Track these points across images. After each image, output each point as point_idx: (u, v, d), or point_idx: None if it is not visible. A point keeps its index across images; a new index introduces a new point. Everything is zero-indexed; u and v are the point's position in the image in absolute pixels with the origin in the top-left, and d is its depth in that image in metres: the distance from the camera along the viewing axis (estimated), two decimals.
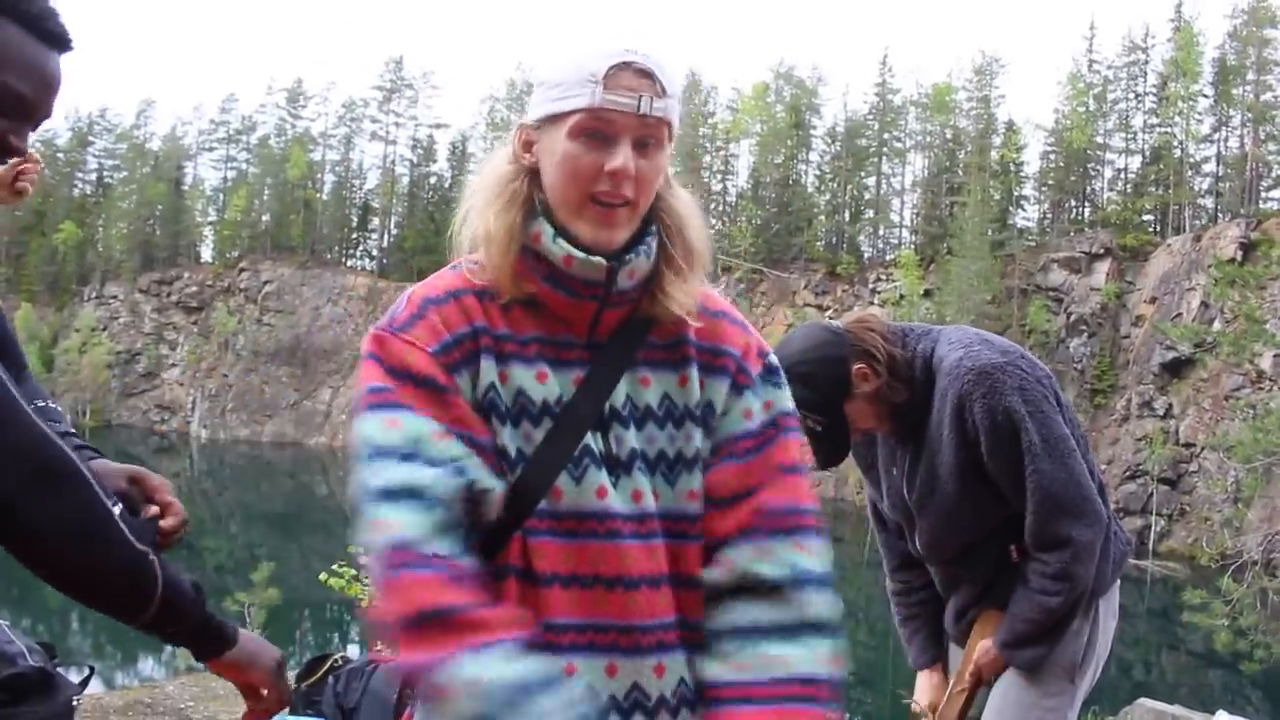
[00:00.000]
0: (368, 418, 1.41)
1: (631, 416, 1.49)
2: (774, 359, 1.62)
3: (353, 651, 4.31)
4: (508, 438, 1.44)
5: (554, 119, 1.45)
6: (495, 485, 1.42)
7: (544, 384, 1.46)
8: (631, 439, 1.48)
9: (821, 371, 2.54)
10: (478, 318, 1.47)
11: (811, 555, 1.51)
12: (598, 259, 1.45)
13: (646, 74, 1.43)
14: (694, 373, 1.53)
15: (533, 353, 1.48)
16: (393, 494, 1.35)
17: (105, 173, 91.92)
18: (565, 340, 1.49)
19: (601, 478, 1.45)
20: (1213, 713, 6.35)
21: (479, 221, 1.51)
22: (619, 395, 1.49)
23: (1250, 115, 56.42)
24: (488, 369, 1.45)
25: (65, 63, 1.45)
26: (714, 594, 1.50)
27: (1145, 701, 7.26)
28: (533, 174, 1.50)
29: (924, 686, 2.97)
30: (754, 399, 1.56)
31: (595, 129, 1.42)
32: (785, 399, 1.61)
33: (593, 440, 1.46)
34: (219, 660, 1.60)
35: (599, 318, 1.49)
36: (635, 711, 1.44)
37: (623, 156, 1.41)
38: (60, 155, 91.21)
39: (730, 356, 1.56)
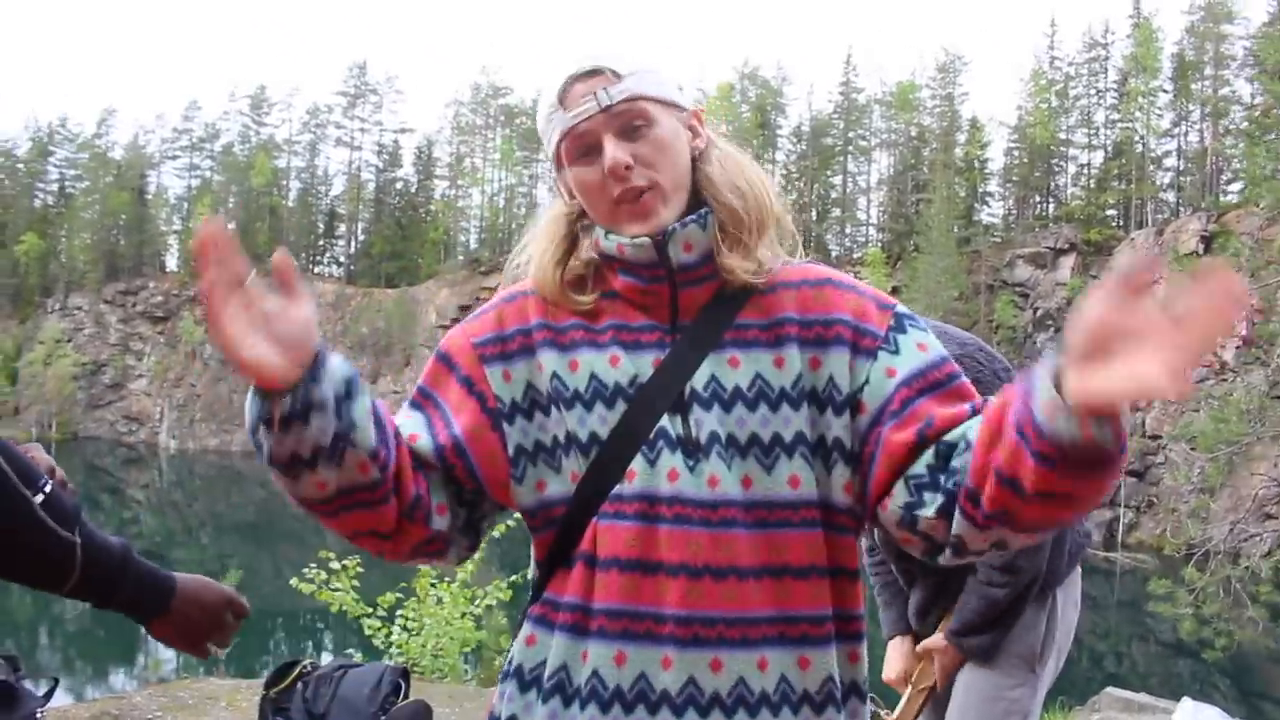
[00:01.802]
0: None
1: (715, 398, 1.42)
2: (903, 308, 1.51)
3: (325, 659, 4.31)
4: (575, 423, 1.43)
5: (557, 159, 1.49)
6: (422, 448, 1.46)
7: (617, 367, 1.45)
8: (711, 421, 1.41)
9: None
10: (541, 315, 1.50)
11: None
12: (644, 239, 1.44)
13: (592, 73, 1.43)
14: (794, 352, 1.44)
15: (607, 339, 1.47)
16: None
17: (67, 183, 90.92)
18: (644, 325, 1.47)
19: (675, 460, 1.40)
20: (1179, 700, 6.42)
21: (527, 254, 1.56)
22: (701, 376, 1.43)
23: (1209, 110, 57.10)
24: (549, 361, 1.47)
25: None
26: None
27: (1113, 690, 7.34)
28: (582, 213, 1.52)
29: (894, 657, 2.97)
30: (891, 356, 1.44)
31: (579, 147, 1.45)
32: (935, 344, 1.48)
33: (669, 422, 1.42)
34: (159, 619, 1.70)
35: (676, 300, 1.47)
36: (712, 709, 1.35)
37: (609, 155, 1.41)
38: (20, 166, 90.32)
39: (842, 324, 1.46)
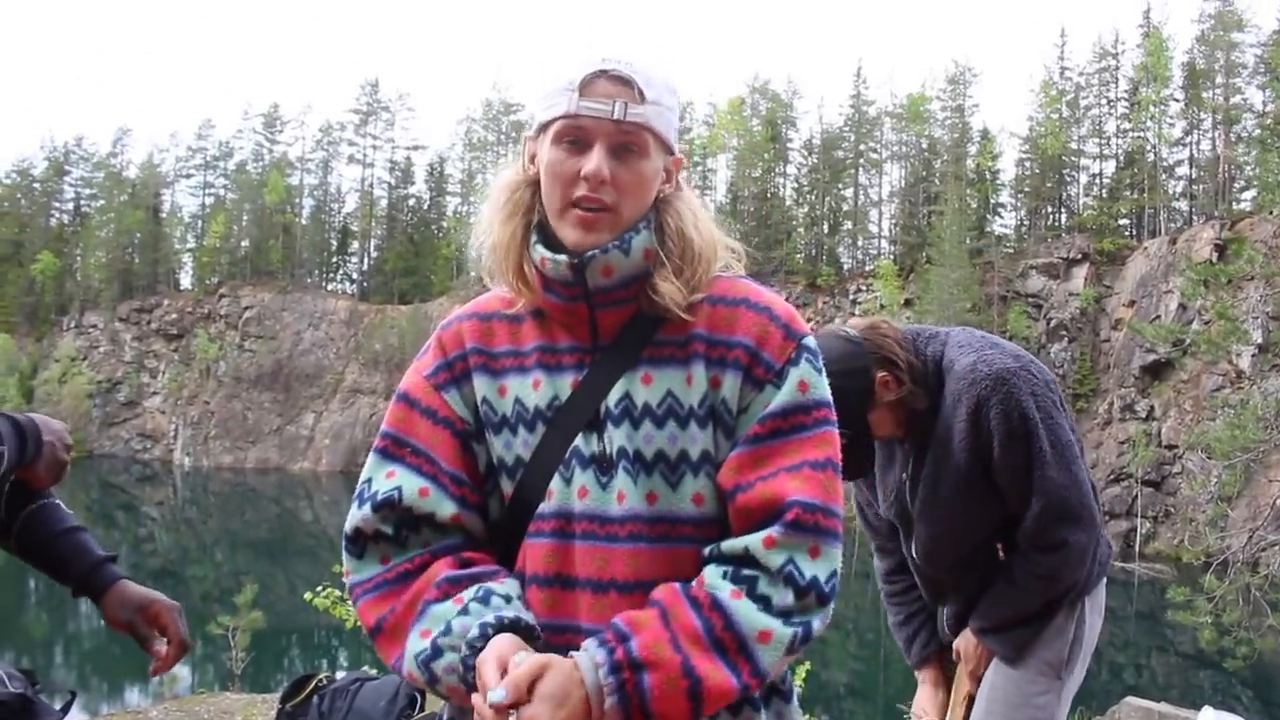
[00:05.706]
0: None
1: (626, 415, 1.47)
2: (810, 341, 1.52)
3: (340, 675, 4.30)
4: (502, 447, 1.51)
5: (543, 127, 1.51)
6: (438, 509, 1.48)
7: (538, 390, 1.51)
8: (620, 438, 1.47)
9: (847, 385, 2.42)
10: (475, 339, 1.56)
11: (822, 561, 1.41)
12: (562, 257, 1.48)
13: (623, 81, 1.47)
14: (700, 370, 1.49)
15: (531, 362, 1.53)
16: (346, 537, 1.52)
17: (82, 201, 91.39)
18: (567, 346, 1.53)
19: (586, 478, 1.46)
20: (1200, 710, 6.35)
21: (487, 233, 1.57)
22: (614, 394, 1.49)
23: (1220, 118, 56.91)
24: (480, 386, 1.54)
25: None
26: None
27: (1132, 700, 7.28)
28: (537, 184, 1.54)
29: (925, 697, 2.94)
30: (774, 391, 1.47)
31: (572, 135, 1.47)
32: (819, 385, 1.49)
33: (583, 441, 1.48)
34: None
35: (595, 320, 1.51)
36: None
37: (595, 161, 1.45)
38: (37, 185, 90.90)
39: (741, 348, 1.49)
